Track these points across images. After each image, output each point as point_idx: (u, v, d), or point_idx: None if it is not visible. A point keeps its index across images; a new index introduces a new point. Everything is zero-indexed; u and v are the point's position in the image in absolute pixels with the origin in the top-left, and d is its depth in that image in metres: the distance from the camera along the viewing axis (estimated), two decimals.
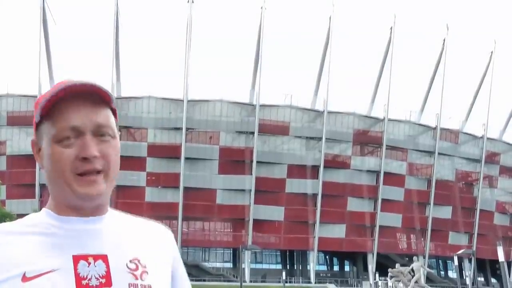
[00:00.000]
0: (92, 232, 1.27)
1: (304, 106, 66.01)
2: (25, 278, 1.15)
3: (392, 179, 67.84)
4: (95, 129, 1.25)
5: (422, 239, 70.42)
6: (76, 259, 1.21)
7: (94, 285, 1.20)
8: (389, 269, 34.73)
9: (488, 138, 73.67)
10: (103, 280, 1.21)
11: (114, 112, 1.33)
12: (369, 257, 67.11)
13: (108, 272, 1.23)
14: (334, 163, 66.71)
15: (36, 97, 59.21)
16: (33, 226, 1.25)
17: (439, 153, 70.08)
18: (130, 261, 1.27)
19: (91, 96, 1.26)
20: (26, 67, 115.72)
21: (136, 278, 1.26)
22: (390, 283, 35.68)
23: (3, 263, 1.16)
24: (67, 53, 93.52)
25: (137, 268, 1.27)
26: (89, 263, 1.22)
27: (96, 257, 1.23)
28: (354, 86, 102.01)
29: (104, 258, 1.24)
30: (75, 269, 1.20)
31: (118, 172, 1.32)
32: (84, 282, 1.19)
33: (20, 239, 1.20)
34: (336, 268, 79.81)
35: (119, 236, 1.31)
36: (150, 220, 1.44)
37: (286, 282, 59.39)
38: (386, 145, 67.39)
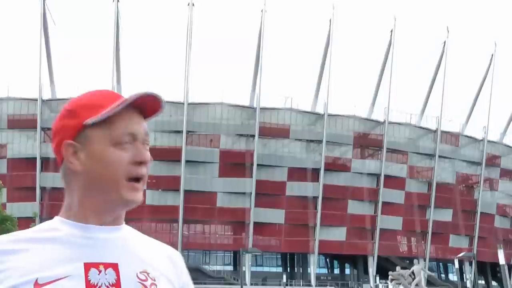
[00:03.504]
0: (106, 241, 1.29)
1: (304, 109, 66.04)
2: (37, 285, 1.18)
3: (393, 182, 67.82)
4: (144, 137, 1.33)
5: (423, 242, 70.37)
6: (87, 266, 1.23)
7: None
8: (390, 272, 34.67)
9: (488, 141, 73.66)
10: None
11: None
12: (370, 260, 67.06)
13: (118, 280, 1.25)
14: (334, 166, 66.71)
15: (36, 100, 59.64)
16: (48, 232, 1.27)
17: (439, 156, 70.07)
18: (140, 272, 1.29)
19: (144, 106, 1.34)
20: (26, 70, 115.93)
21: None
22: (390, 286, 35.65)
23: (18, 269, 1.19)
24: (68, 57, 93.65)
25: (146, 280, 1.29)
26: (100, 271, 1.24)
27: (106, 265, 1.26)
28: (354, 89, 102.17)
29: (115, 266, 1.27)
30: (86, 276, 1.22)
31: None
32: None
33: (36, 246, 1.23)
34: (336, 271, 79.72)
35: (131, 247, 1.34)
36: (163, 243, 1.47)
37: (287, 285, 59.38)
38: (387, 148, 67.38)
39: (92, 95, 1.34)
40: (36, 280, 1.18)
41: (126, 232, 1.37)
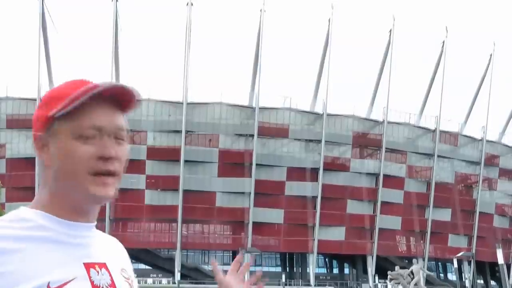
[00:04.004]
0: (91, 240, 1.26)
1: (303, 109, 66.02)
2: None
3: (392, 181, 67.83)
4: (116, 131, 1.24)
5: (422, 241, 70.38)
6: (87, 267, 1.20)
7: None
8: (389, 272, 34.70)
9: (487, 141, 73.70)
10: None
11: None
12: (369, 259, 67.07)
13: (112, 280, 1.23)
14: (333, 165, 66.70)
15: (35, 100, 59.59)
16: (37, 230, 1.18)
17: (438, 156, 70.10)
18: (121, 270, 1.29)
19: (117, 99, 1.26)
20: (25, 70, 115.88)
21: (131, 287, 1.30)
22: (389, 286, 35.68)
23: (23, 272, 1.12)
24: (67, 56, 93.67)
25: (128, 278, 1.29)
26: (98, 271, 1.21)
27: (100, 265, 1.23)
28: (353, 89, 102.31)
29: (105, 266, 1.24)
30: (89, 277, 1.19)
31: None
32: None
33: (31, 246, 1.15)
34: (335, 270, 79.79)
35: (107, 245, 1.32)
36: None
37: (286, 284, 59.38)
38: (386, 148, 67.39)
39: (65, 85, 1.25)
40: (48, 284, 1.12)
41: (96, 230, 1.32)
